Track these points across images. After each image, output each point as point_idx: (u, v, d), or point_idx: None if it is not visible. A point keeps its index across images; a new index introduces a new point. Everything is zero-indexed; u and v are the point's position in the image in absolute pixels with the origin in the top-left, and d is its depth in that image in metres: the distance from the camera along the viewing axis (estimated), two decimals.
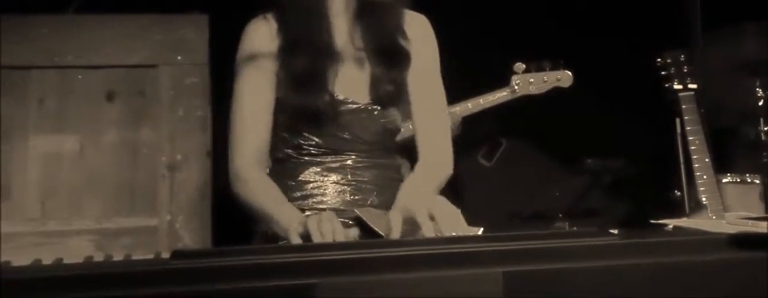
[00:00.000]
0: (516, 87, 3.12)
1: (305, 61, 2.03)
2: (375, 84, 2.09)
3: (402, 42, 2.10)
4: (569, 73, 3.14)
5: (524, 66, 3.15)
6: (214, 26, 3.06)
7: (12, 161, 2.91)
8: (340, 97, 2.06)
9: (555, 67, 3.17)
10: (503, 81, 3.17)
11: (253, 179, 2.03)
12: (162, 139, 2.99)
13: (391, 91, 2.10)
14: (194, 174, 3.00)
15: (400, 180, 2.22)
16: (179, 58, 3.02)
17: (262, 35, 2.06)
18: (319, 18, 2.05)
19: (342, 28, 2.09)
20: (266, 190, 2.01)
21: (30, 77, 2.95)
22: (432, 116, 2.14)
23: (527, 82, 3.13)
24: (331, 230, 1.70)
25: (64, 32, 2.96)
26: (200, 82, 3.04)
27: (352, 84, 2.08)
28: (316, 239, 1.70)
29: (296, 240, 1.75)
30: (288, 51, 2.04)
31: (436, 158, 2.12)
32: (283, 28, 2.05)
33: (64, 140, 2.96)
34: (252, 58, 2.04)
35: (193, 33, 3.03)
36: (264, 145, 2.06)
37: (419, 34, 2.14)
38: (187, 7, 3.08)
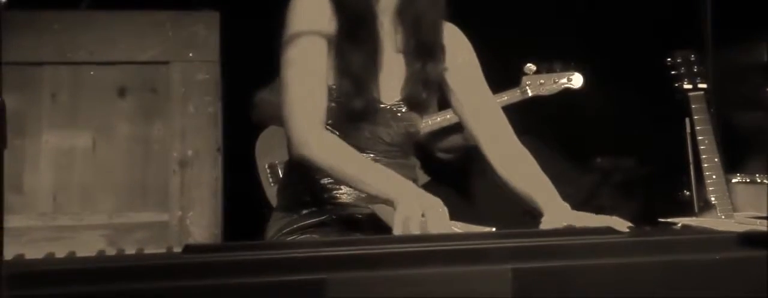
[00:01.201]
0: (526, 88, 3.12)
1: (361, 56, 1.99)
2: (409, 85, 2.08)
3: (439, 44, 2.09)
4: (580, 74, 3.14)
5: (535, 67, 3.15)
6: (226, 23, 3.07)
7: (24, 156, 2.93)
8: (375, 96, 2.06)
9: (565, 69, 3.17)
10: (513, 82, 3.17)
11: (331, 140, 1.93)
12: (173, 135, 3.01)
13: (423, 96, 2.08)
14: (205, 170, 3.02)
15: (415, 180, 2.22)
16: (191, 54, 3.03)
17: (316, 6, 1.99)
18: (369, 14, 2.02)
19: (385, 27, 2.08)
20: (351, 153, 1.92)
21: (42, 73, 2.97)
22: (492, 118, 2.13)
23: (538, 83, 3.13)
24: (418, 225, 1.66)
25: (77, 28, 2.98)
26: (211, 78, 3.05)
27: (382, 84, 2.07)
28: (414, 230, 1.66)
29: (399, 229, 1.68)
30: (344, 39, 1.99)
31: (517, 158, 2.09)
32: (341, 10, 1.99)
33: (77, 136, 2.98)
34: (306, 26, 1.96)
35: (204, 30, 3.04)
36: (324, 110, 1.96)
37: (453, 41, 2.14)
38: (199, 4, 3.09)
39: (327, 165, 1.90)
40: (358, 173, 1.87)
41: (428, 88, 2.10)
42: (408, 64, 2.09)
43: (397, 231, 1.69)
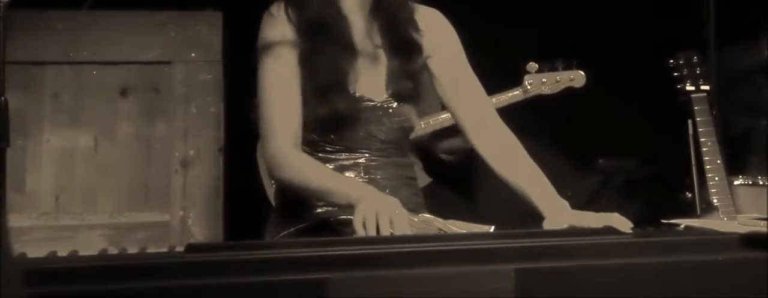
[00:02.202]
0: (528, 87, 3.11)
1: (326, 61, 2.01)
2: (392, 79, 2.08)
3: (415, 35, 2.09)
4: (582, 73, 3.13)
5: (537, 66, 3.14)
6: (228, 23, 3.07)
7: (27, 156, 2.93)
8: (358, 94, 2.06)
9: (568, 67, 3.15)
10: (516, 81, 3.16)
11: (298, 160, 1.99)
12: (175, 135, 3.01)
13: (409, 87, 2.09)
14: (207, 170, 3.02)
15: (414, 178, 2.21)
16: (193, 55, 3.04)
17: (280, 24, 2.04)
18: (335, 15, 2.05)
19: (359, 26, 2.09)
20: (316, 168, 1.99)
21: (45, 72, 2.98)
22: (475, 101, 2.12)
23: (540, 82, 3.12)
24: (386, 223, 1.67)
25: (80, 28, 2.98)
26: (213, 78, 3.05)
27: (369, 81, 2.08)
28: (371, 230, 1.68)
29: (360, 229, 1.71)
30: (308, 49, 2.02)
31: (506, 142, 2.08)
32: (301, 24, 2.03)
33: (79, 135, 2.99)
34: (273, 45, 2.02)
35: (207, 30, 3.05)
36: (298, 128, 2.02)
37: (434, 26, 2.13)
38: (202, 4, 3.09)
39: (296, 184, 1.97)
40: (324, 183, 1.93)
41: (413, 79, 2.10)
42: (388, 59, 2.10)
43: (358, 232, 1.71)
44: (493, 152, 2.07)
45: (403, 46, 2.09)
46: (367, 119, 2.07)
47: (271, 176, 2.02)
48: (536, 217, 1.96)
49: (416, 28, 2.10)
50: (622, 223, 1.72)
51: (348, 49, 2.05)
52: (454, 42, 2.15)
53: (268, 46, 2.03)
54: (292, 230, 2.07)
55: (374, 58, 2.09)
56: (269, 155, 2.00)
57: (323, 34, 2.02)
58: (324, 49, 2.02)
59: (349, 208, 1.82)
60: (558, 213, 1.88)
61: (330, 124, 2.04)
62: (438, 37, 2.13)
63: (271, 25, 2.04)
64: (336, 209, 2.03)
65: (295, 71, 2.02)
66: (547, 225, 1.88)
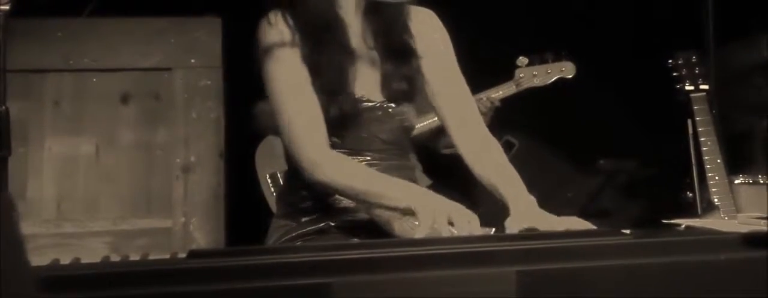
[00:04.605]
0: (520, 80, 3.12)
1: (328, 63, 2.00)
2: (386, 82, 2.08)
3: (407, 38, 2.10)
4: (572, 63, 3.14)
5: (527, 59, 3.15)
6: (228, 29, 3.08)
7: (28, 163, 2.94)
8: (357, 95, 2.06)
9: (557, 58, 3.17)
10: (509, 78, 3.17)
11: (341, 161, 1.96)
12: (176, 141, 3.02)
13: (403, 88, 2.08)
14: (208, 176, 3.03)
15: (414, 181, 2.21)
16: (193, 61, 3.05)
17: (280, 29, 2.01)
18: (332, 18, 2.05)
19: (354, 28, 2.09)
20: (362, 169, 1.97)
21: (46, 80, 2.99)
22: (460, 102, 2.12)
23: (531, 74, 3.13)
24: (465, 226, 1.67)
25: (80, 36, 2.99)
26: (214, 84, 3.06)
27: (366, 83, 2.07)
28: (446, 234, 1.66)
29: (426, 231, 1.68)
30: (309, 52, 2.00)
31: (484, 145, 2.08)
32: (300, 27, 2.01)
33: (80, 143, 2.99)
34: (276, 48, 1.98)
35: (206, 36, 3.05)
36: (325, 128, 1.98)
37: (427, 27, 2.13)
38: (201, 10, 3.10)
39: (342, 186, 1.92)
40: (376, 188, 1.88)
41: (407, 81, 2.10)
42: (382, 61, 2.10)
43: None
44: (470, 150, 2.07)
45: (397, 50, 2.09)
46: (368, 120, 2.07)
47: (310, 180, 1.95)
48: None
49: (409, 33, 2.10)
50: (582, 225, 1.73)
51: (346, 50, 2.05)
52: (445, 44, 2.15)
53: (271, 50, 1.99)
54: (293, 235, 2.07)
55: (369, 60, 2.09)
56: (305, 158, 1.94)
57: (323, 36, 2.01)
58: (325, 51, 2.01)
59: (405, 213, 1.80)
60: (523, 213, 1.85)
61: (336, 126, 2.04)
62: (430, 38, 2.13)
63: (271, 30, 2.02)
64: (343, 213, 2.04)
65: (304, 73, 1.99)
66: (509, 226, 1.83)
